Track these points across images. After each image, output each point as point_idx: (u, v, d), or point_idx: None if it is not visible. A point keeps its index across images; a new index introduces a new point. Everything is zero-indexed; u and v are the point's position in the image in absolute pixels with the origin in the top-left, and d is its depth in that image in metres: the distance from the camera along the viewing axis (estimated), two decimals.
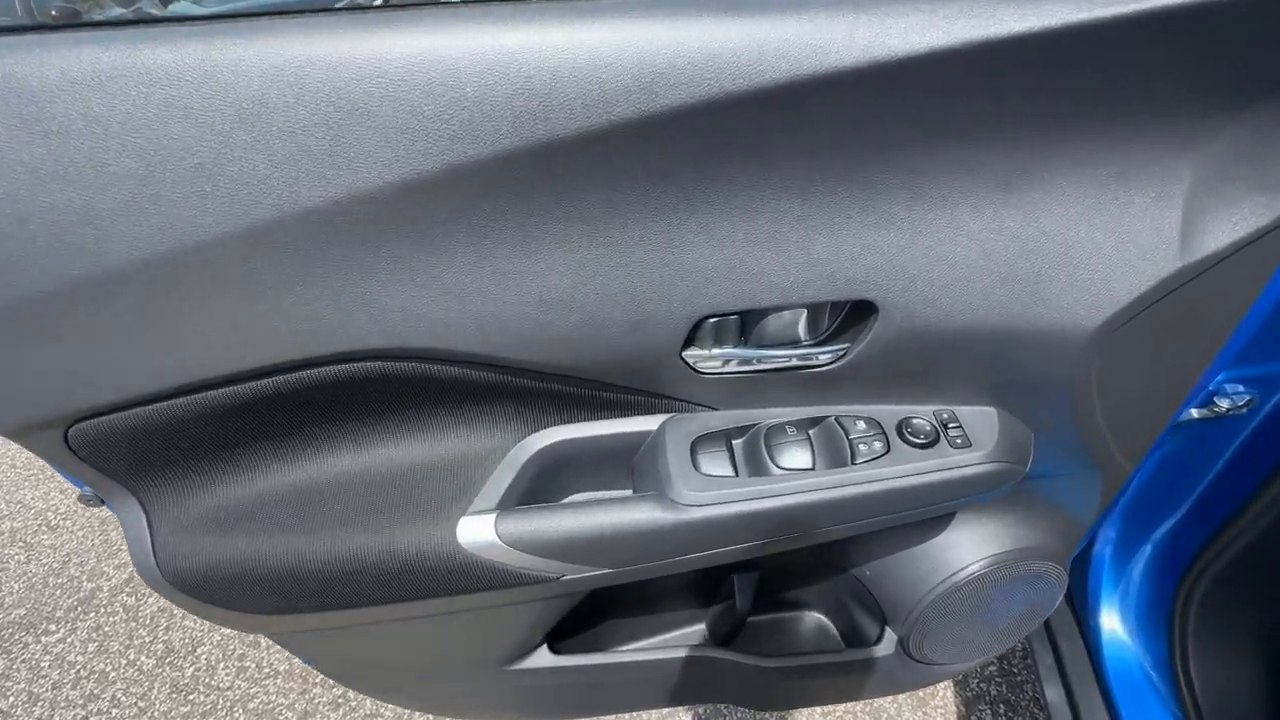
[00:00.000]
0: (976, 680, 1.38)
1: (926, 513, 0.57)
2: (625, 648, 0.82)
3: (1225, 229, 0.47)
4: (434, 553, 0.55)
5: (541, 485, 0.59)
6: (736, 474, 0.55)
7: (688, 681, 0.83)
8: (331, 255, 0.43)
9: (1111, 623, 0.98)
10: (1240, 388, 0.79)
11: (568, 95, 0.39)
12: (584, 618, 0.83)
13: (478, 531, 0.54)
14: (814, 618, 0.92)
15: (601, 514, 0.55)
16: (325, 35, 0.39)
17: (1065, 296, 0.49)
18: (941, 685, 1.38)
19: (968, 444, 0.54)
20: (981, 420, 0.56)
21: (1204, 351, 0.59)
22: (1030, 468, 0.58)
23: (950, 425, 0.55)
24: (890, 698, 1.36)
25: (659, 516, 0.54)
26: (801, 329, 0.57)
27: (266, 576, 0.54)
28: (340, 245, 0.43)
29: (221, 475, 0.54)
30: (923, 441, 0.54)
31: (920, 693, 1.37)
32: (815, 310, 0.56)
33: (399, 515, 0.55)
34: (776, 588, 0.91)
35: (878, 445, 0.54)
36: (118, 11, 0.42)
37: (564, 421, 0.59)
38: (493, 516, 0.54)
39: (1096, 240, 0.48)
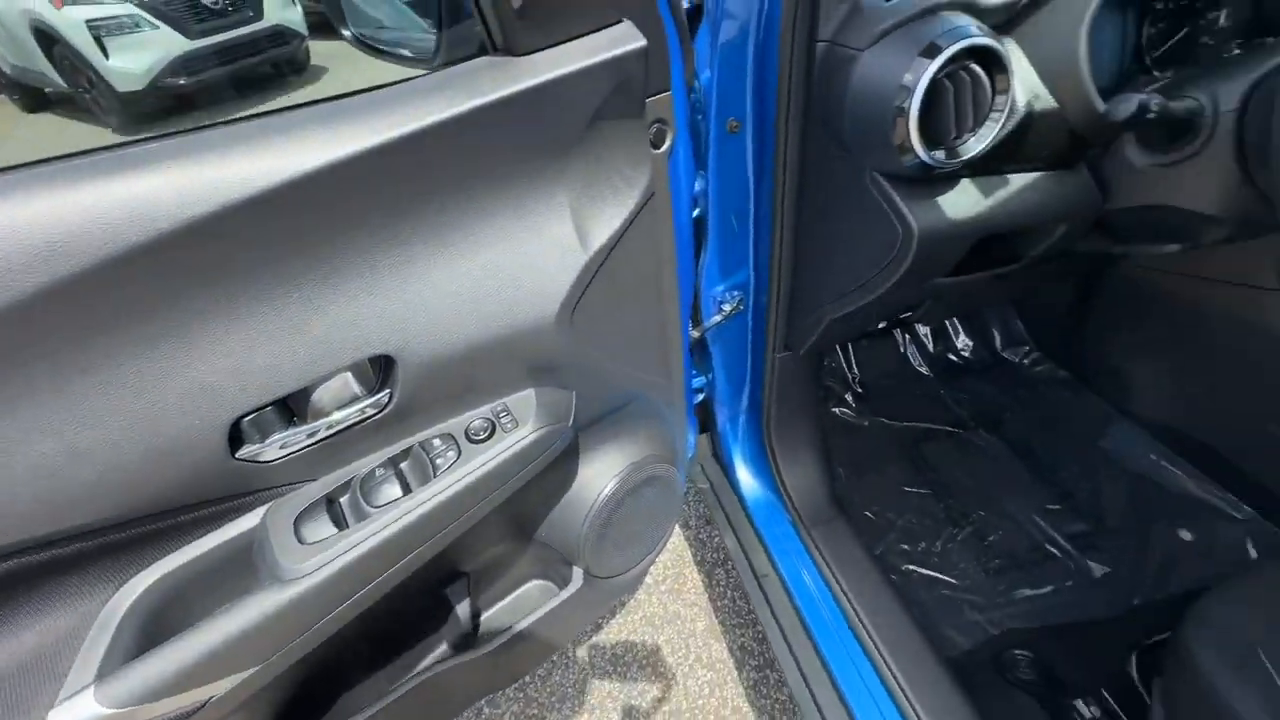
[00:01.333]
0: (721, 571, 1.75)
1: (509, 489, 0.73)
2: (367, 709, 0.86)
3: (602, 229, 0.70)
4: None
5: (161, 628, 0.59)
6: (342, 529, 0.63)
7: (436, 701, 0.91)
8: None
9: (743, 472, 1.35)
10: (736, 293, 1.15)
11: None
12: (323, 692, 0.84)
13: (76, 713, 0.52)
14: (538, 585, 1.08)
15: (220, 625, 0.58)
16: None
17: (527, 300, 0.67)
18: (690, 573, 1.72)
19: (516, 424, 0.71)
20: (524, 402, 0.73)
21: (663, 294, 0.86)
22: (574, 419, 0.77)
23: (502, 415, 0.71)
24: (657, 600, 1.65)
25: (275, 598, 0.59)
26: (356, 387, 0.66)
27: None
28: None
29: None
30: (483, 437, 0.69)
31: (675, 585, 1.68)
32: (358, 370, 0.65)
33: None
34: (495, 579, 1.03)
35: (451, 455, 0.67)
36: None
37: (161, 558, 0.59)
38: (90, 690, 0.53)
39: (528, 256, 0.66)
